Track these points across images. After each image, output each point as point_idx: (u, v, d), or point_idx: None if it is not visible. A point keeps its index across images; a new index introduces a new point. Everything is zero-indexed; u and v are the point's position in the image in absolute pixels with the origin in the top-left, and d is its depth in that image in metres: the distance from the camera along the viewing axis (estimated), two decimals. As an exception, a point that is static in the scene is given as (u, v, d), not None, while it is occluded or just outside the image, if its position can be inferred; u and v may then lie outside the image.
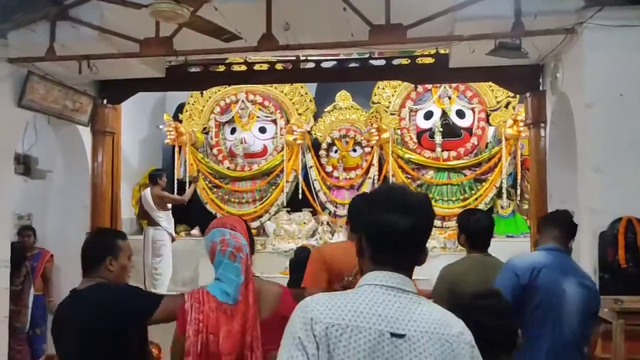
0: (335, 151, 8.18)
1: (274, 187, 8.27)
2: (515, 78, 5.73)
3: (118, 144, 6.68)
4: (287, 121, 8.30)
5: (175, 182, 8.31)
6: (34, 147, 6.43)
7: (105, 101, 6.43)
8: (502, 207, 7.59)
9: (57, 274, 6.31)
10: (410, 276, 1.51)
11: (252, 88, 8.27)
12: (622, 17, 4.16)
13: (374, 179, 7.96)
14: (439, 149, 7.75)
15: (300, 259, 4.41)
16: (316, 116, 8.35)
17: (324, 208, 8.06)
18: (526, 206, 7.36)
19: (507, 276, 2.89)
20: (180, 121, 8.45)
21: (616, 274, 4.01)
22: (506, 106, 7.71)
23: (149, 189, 7.41)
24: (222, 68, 6.74)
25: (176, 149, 8.40)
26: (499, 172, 7.61)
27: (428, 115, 7.96)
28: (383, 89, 8.07)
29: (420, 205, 1.53)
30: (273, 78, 6.74)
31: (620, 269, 3.99)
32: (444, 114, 7.85)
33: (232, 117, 8.44)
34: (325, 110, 8.28)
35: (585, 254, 4.25)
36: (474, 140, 7.80)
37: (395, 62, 6.28)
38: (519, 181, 7.57)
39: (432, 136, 7.80)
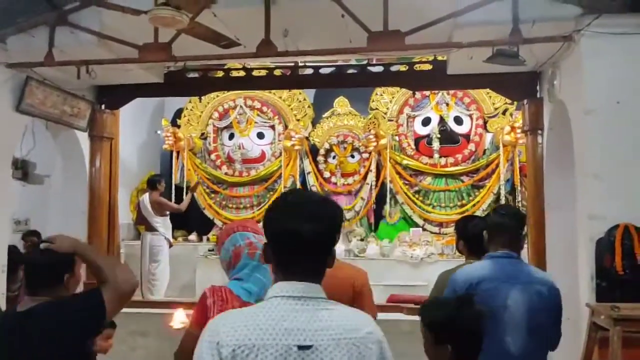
0: (333, 157, 8.19)
1: (271, 193, 8.26)
2: (512, 85, 5.74)
3: (116, 149, 6.67)
4: (285, 127, 8.31)
5: (173, 187, 8.30)
6: (32, 152, 6.43)
7: (103, 106, 6.42)
8: (499, 214, 7.58)
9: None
10: (319, 281, 1.51)
11: (250, 94, 8.29)
12: (620, 25, 4.16)
13: (371, 185, 7.96)
14: (436, 155, 7.77)
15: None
16: (314, 122, 8.37)
17: (321, 214, 8.04)
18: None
19: (448, 291, 2.81)
20: (179, 126, 8.45)
21: (613, 280, 3.99)
22: (504, 113, 7.73)
23: (147, 194, 7.41)
24: (220, 74, 6.74)
25: (174, 155, 8.41)
26: (496, 179, 7.62)
27: (426, 122, 7.98)
28: (381, 95, 8.10)
29: (322, 209, 1.52)
30: (271, 84, 6.73)
31: (617, 276, 3.98)
32: (442, 120, 7.87)
33: (230, 122, 8.45)
34: (324, 116, 8.29)
35: (583, 261, 4.26)
36: (471, 146, 7.82)
37: (394, 68, 6.28)
38: (517, 188, 7.58)
39: (429, 142, 7.83)
